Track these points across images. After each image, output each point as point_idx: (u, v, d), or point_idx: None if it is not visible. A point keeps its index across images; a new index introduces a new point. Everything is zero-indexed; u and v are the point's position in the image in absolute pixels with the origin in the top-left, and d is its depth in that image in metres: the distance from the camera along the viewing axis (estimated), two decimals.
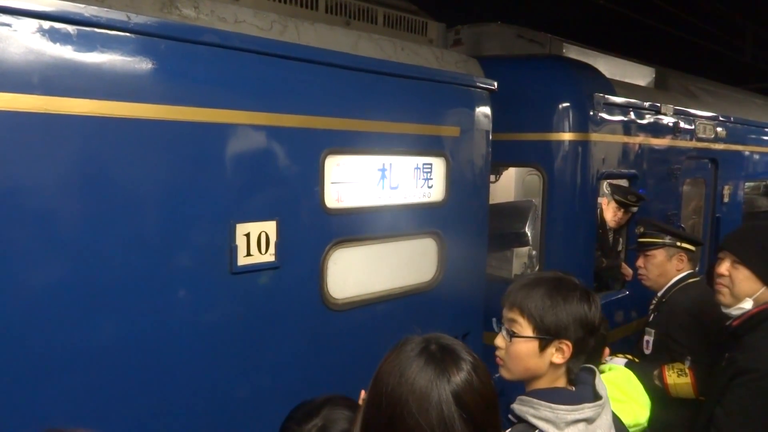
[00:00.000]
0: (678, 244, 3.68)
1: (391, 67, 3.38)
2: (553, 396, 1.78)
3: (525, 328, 1.85)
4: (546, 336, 1.82)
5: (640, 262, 3.82)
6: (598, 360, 2.39)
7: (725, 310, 2.88)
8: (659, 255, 3.69)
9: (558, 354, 1.83)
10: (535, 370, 1.86)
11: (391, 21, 3.72)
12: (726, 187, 6.94)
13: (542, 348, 1.83)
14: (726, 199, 6.95)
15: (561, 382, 1.87)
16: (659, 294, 3.74)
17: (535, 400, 1.76)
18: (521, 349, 1.86)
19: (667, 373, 3.45)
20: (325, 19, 3.31)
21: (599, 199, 5.26)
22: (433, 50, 3.78)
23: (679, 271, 3.68)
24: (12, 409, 2.17)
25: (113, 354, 2.41)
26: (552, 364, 1.84)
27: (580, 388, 1.86)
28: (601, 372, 2.36)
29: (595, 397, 1.83)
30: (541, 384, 1.86)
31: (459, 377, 1.34)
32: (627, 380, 2.36)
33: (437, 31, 4.01)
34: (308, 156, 3.02)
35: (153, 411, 2.55)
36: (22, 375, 2.20)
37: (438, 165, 3.71)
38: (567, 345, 1.81)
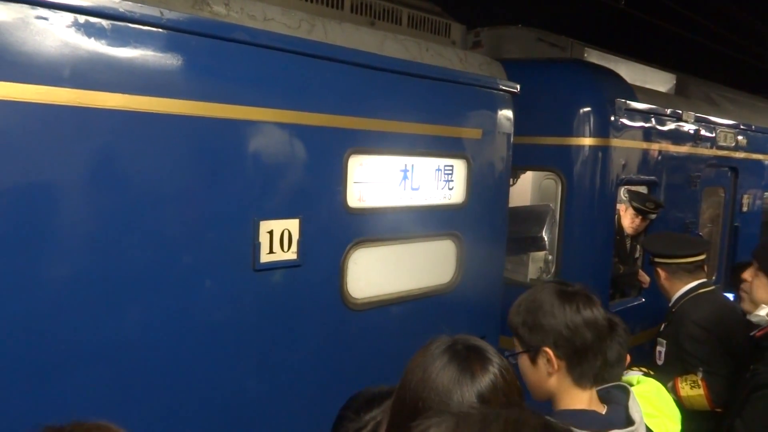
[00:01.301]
0: (671, 261, 3.67)
1: (415, 67, 3.37)
2: (579, 418, 1.70)
3: (516, 343, 1.85)
4: (528, 347, 1.80)
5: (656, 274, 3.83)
6: (622, 369, 2.36)
7: (748, 316, 3.03)
8: (661, 272, 3.72)
9: (548, 364, 1.78)
10: (540, 384, 1.82)
11: (415, 22, 3.71)
12: (745, 196, 6.88)
13: (533, 360, 1.81)
14: (745, 208, 6.89)
15: (583, 402, 1.79)
16: (669, 304, 3.74)
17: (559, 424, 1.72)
18: (520, 365, 1.85)
19: (680, 385, 3.43)
20: (351, 18, 3.31)
21: (617, 206, 5.23)
22: (457, 52, 3.77)
23: (686, 282, 3.66)
24: (35, 402, 2.20)
25: (136, 348, 2.43)
26: (550, 375, 1.79)
27: (611, 409, 1.80)
28: (630, 385, 2.33)
29: (628, 421, 1.74)
30: (563, 404, 1.80)
31: (484, 377, 1.34)
32: (657, 394, 2.31)
33: (460, 33, 4.00)
34: (332, 155, 3.02)
35: (174, 404, 2.56)
36: (50, 368, 2.22)
37: (459, 167, 3.70)
38: (548, 353, 1.76)
